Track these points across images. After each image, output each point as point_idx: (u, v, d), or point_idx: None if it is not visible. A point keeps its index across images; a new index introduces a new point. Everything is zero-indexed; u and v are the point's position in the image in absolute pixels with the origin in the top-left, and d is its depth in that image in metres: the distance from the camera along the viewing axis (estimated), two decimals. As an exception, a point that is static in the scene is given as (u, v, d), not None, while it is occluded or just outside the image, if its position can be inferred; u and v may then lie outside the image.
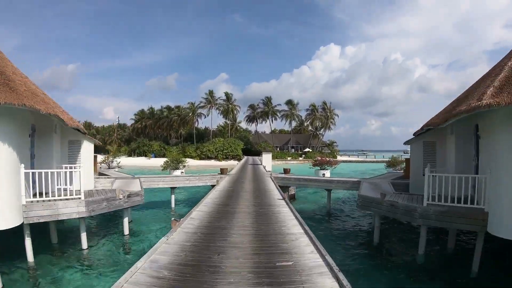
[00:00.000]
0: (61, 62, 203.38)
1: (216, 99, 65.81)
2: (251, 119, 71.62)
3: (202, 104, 65.61)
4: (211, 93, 65.56)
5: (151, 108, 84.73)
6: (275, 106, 68.48)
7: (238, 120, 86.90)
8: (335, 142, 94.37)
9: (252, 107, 71.50)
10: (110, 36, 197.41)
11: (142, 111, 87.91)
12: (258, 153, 63.34)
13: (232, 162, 54.67)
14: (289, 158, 63.47)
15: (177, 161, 22.74)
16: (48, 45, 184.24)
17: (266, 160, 30.46)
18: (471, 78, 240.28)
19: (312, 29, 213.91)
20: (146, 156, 67.78)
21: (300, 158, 65.42)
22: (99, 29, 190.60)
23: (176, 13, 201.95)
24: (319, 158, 23.51)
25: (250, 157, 56.39)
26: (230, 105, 64.59)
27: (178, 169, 22.27)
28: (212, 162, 58.57)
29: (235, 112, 66.03)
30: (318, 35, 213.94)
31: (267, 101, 68.25)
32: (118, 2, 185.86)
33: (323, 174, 20.70)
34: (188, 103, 67.75)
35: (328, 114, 76.84)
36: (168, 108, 76.50)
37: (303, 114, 73.44)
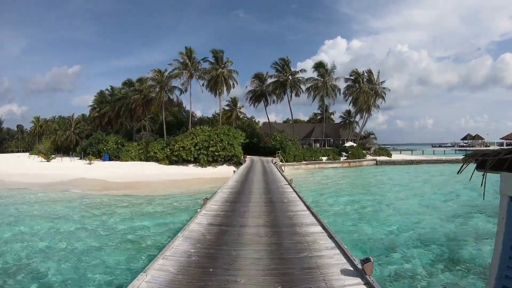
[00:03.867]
0: (65, 64, 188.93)
1: (198, 62, 38.97)
2: (257, 96, 44.68)
3: (176, 71, 38.79)
4: (189, 52, 38.76)
5: (111, 87, 58.55)
6: (297, 72, 41.29)
7: (239, 104, 60.78)
8: (373, 134, 67.28)
9: (258, 77, 44.48)
10: (114, 36, 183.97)
11: (100, 93, 61.78)
12: (272, 152, 36.76)
13: (224, 172, 28.11)
14: (324, 159, 36.57)
15: None
16: (52, 47, 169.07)
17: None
18: (473, 70, 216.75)
19: (317, 23, 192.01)
20: (96, 158, 41.91)
21: (342, 158, 38.51)
22: (103, 30, 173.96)
23: (180, 11, 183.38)
24: None
25: (258, 160, 29.80)
26: (220, 70, 37.52)
27: None
28: (190, 170, 32.13)
29: (231, 83, 38.95)
30: (323, 29, 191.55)
31: (284, 65, 41.01)
32: (122, 3, 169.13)
33: None
34: (152, 70, 41.07)
35: (378, 88, 49.58)
36: (128, 83, 49.99)
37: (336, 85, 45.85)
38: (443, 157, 47.85)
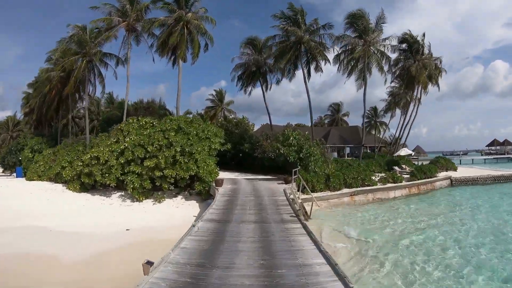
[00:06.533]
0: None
1: (146, 6, 21.63)
2: (249, 74, 27.35)
3: (106, 23, 21.41)
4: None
5: (44, 69, 41.08)
6: (317, 30, 23.77)
7: (227, 100, 44.39)
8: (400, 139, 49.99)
9: (252, 44, 27.16)
10: (108, 45, 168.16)
11: (34, 82, 44.31)
12: (276, 169, 19.06)
13: (176, 223, 10.40)
14: (378, 182, 18.91)
15: None
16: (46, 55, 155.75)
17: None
18: (463, 79, 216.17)
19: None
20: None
21: (405, 177, 20.96)
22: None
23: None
24: None
25: (249, 192, 12.27)
26: (182, 12, 20.12)
27: None
28: (101, 212, 14.67)
29: (201, 42, 21.60)
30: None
31: (296, 16, 23.52)
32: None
33: None
34: (71, 26, 23.68)
35: (434, 67, 32.36)
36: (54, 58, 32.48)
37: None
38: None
